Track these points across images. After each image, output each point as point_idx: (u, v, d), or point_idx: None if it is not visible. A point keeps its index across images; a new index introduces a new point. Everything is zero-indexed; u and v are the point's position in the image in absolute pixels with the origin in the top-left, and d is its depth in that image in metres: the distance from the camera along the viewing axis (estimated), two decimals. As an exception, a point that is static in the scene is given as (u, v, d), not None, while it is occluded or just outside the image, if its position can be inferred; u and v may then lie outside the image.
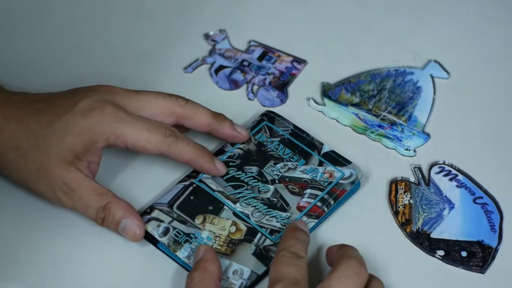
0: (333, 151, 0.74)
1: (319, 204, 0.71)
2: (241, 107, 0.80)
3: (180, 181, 0.72)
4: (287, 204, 0.71)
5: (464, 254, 0.70)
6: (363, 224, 0.71)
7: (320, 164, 0.73)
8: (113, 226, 0.68)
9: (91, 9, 0.89)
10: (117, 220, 0.68)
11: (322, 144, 0.75)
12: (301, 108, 0.80)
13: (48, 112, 0.69)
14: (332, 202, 0.71)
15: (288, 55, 0.85)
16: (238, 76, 0.83)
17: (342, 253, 0.64)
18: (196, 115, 0.72)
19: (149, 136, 0.69)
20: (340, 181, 0.72)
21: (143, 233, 0.68)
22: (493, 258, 0.70)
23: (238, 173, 0.73)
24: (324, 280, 0.61)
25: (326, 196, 0.71)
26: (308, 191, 0.72)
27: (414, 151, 0.77)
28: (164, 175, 0.74)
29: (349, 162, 0.73)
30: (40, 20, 0.88)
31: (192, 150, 0.71)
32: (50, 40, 0.86)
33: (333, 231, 0.71)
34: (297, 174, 0.73)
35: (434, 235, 0.71)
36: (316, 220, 0.70)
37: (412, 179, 0.75)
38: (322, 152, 0.74)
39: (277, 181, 0.72)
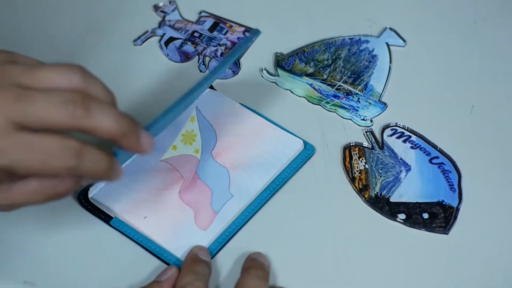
0: None
1: None
2: (192, 79, 0.77)
3: None
4: None
5: (425, 216, 0.69)
6: (320, 194, 0.70)
7: None
8: (75, 188, 0.58)
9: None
10: (76, 184, 0.57)
11: None
12: (254, 79, 0.79)
13: None
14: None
15: (240, 25, 0.83)
16: (189, 48, 0.81)
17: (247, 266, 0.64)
18: (98, 128, 0.55)
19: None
20: None
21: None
22: (455, 217, 0.69)
23: None
24: None
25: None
26: None
27: (371, 121, 0.75)
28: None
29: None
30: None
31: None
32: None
33: (289, 202, 0.70)
34: None
35: (394, 199, 0.70)
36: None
37: (366, 143, 0.73)
38: None
39: None
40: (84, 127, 0.54)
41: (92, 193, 0.68)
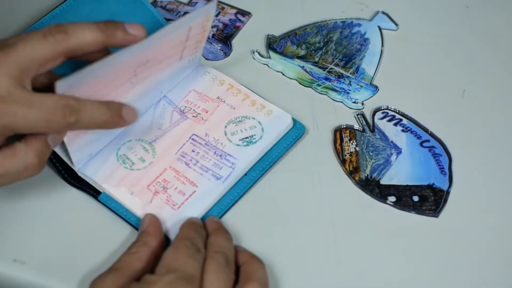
0: None
1: None
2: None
3: None
4: None
5: (416, 198, 0.69)
6: (310, 176, 0.70)
7: None
8: (48, 152, 0.62)
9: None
10: (45, 145, 0.61)
11: None
12: (246, 61, 0.78)
13: None
14: None
15: (232, 7, 0.83)
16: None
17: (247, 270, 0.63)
18: (83, 42, 0.62)
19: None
20: None
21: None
22: (446, 201, 0.69)
23: None
24: None
25: None
26: None
27: (362, 103, 0.75)
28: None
29: None
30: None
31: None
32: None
33: (279, 184, 0.70)
34: None
35: (384, 181, 0.70)
36: None
37: (356, 126, 0.73)
38: None
39: None
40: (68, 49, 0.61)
41: (78, 166, 0.68)
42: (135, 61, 0.64)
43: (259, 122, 0.71)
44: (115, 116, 0.62)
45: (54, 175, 0.69)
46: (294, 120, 0.72)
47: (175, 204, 0.67)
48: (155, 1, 0.83)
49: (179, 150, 0.69)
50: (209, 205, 0.67)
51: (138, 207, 0.66)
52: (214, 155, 0.69)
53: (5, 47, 0.59)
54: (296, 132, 0.72)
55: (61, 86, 0.58)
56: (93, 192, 0.68)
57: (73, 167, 0.68)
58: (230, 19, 0.82)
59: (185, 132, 0.71)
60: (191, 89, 0.73)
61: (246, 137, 0.70)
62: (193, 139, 0.70)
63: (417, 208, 0.69)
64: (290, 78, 0.77)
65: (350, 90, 0.76)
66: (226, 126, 0.71)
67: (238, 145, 0.70)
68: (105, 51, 0.64)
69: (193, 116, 0.71)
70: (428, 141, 0.73)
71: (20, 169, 0.60)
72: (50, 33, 0.60)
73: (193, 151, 0.69)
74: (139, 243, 0.63)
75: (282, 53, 0.79)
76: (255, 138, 0.70)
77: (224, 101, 0.72)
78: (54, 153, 0.68)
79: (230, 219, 0.67)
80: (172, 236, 0.65)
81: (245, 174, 0.69)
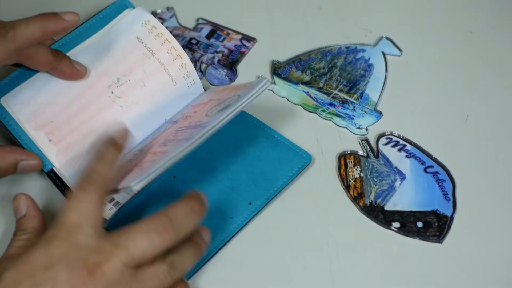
0: None
1: None
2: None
3: None
4: None
5: (420, 224, 0.69)
6: (315, 202, 0.71)
7: None
8: (11, 173, 0.68)
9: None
10: (12, 166, 0.67)
11: None
12: (251, 87, 0.79)
13: None
14: None
15: (237, 33, 0.83)
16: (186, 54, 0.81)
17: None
18: (36, 56, 0.69)
19: None
20: None
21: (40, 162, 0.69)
22: (449, 227, 0.69)
23: None
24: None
25: None
26: None
27: (366, 129, 0.75)
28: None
29: None
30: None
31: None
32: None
33: (283, 210, 0.70)
34: None
35: (388, 207, 0.70)
36: None
37: (361, 152, 0.74)
38: None
39: None
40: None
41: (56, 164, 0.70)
42: (102, 79, 0.69)
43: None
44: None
45: None
46: (300, 149, 0.72)
47: None
48: (155, 12, 0.84)
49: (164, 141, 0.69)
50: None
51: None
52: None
53: None
54: (302, 161, 0.72)
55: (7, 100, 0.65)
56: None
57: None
58: (235, 45, 0.82)
59: (171, 131, 0.70)
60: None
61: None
62: (177, 130, 0.69)
63: (421, 234, 0.69)
64: (295, 104, 0.77)
65: (354, 116, 0.76)
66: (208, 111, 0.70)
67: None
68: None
69: (183, 119, 0.71)
70: (432, 166, 0.73)
71: None
72: (1, 33, 0.65)
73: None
74: (24, 232, 0.63)
75: (287, 79, 0.79)
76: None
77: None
78: None
79: (234, 247, 0.68)
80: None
81: (250, 203, 0.69)
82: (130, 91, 0.72)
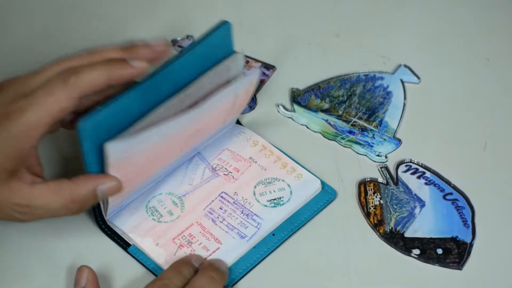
0: None
1: None
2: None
3: None
4: None
5: (439, 251, 0.70)
6: (335, 229, 0.71)
7: None
8: (92, 201, 0.63)
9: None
10: (92, 194, 0.62)
11: None
12: (271, 115, 0.80)
13: None
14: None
15: (257, 61, 0.84)
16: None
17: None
18: (94, 83, 0.62)
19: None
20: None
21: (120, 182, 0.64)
22: (469, 253, 0.70)
23: None
24: None
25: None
26: None
27: (386, 156, 0.76)
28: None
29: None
30: None
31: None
32: None
33: (305, 238, 0.70)
34: None
35: (408, 234, 0.71)
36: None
37: (380, 179, 0.74)
38: None
39: None
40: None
41: (109, 215, 0.69)
42: (187, 131, 0.67)
43: (288, 185, 0.72)
44: None
45: (88, 218, 0.71)
46: (324, 184, 0.73)
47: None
48: (175, 40, 0.85)
49: (207, 206, 0.71)
50: (231, 261, 0.68)
51: (162, 258, 0.67)
52: (241, 214, 0.70)
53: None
54: (327, 196, 0.72)
55: (112, 149, 0.60)
56: (123, 243, 0.69)
57: (104, 215, 0.69)
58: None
59: (214, 189, 0.72)
60: (225, 147, 0.75)
61: (274, 199, 0.71)
62: (222, 197, 0.71)
63: (441, 261, 0.69)
64: (315, 131, 0.78)
65: (373, 143, 0.77)
66: (255, 186, 0.72)
67: (265, 206, 0.71)
68: (117, 87, 0.64)
69: (224, 174, 0.73)
70: (451, 194, 0.73)
71: (59, 206, 0.61)
72: (64, 78, 0.61)
73: (220, 208, 0.71)
74: None
75: (306, 107, 0.80)
76: (282, 200, 0.71)
77: (256, 162, 0.74)
78: None
79: (256, 277, 0.68)
80: None
81: (273, 234, 0.70)
82: None
